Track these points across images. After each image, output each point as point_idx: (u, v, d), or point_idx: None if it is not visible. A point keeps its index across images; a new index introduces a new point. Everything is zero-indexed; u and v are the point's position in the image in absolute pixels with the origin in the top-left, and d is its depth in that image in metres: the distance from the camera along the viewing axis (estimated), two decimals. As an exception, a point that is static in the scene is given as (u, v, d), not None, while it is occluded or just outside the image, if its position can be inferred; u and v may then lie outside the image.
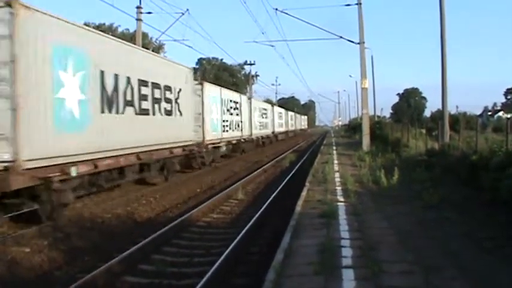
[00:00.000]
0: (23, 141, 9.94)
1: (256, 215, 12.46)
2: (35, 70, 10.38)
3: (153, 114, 16.94)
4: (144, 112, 16.22)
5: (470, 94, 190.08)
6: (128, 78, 15.03)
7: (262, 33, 43.63)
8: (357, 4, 28.78)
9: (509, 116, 36.13)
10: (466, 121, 28.88)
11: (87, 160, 12.34)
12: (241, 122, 33.76)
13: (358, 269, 6.69)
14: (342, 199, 12.77)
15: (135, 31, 31.58)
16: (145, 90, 16.31)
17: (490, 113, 78.82)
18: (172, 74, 19.20)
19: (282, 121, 63.19)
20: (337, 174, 18.20)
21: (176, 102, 19.19)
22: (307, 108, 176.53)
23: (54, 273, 8.50)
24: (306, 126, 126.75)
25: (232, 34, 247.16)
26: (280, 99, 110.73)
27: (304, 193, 13.93)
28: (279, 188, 17.35)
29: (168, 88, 18.35)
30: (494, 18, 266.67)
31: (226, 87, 33.81)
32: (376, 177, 15.62)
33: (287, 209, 12.66)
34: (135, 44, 31.25)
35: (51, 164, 10.91)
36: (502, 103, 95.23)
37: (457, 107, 53.86)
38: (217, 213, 14.06)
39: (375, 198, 13.03)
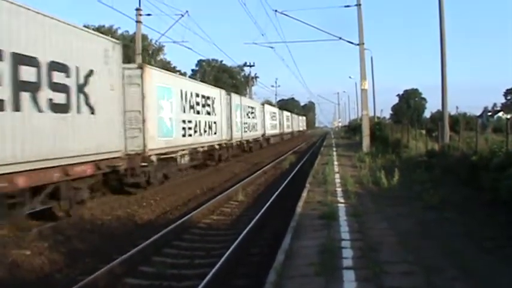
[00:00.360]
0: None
1: (257, 217, 12.46)
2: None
3: (16, 109, 9.91)
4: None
5: (470, 95, 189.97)
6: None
7: (262, 34, 44.20)
8: (356, 5, 28.80)
9: (509, 116, 36.13)
10: (466, 122, 28.90)
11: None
12: (215, 123, 25.74)
13: (359, 270, 6.68)
14: (342, 200, 12.76)
15: (134, 33, 31.60)
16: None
17: (489, 114, 78.74)
18: (73, 45, 12.14)
19: (276, 122, 56.65)
20: (337, 176, 18.18)
21: (81, 91, 12.35)
22: (307, 110, 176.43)
23: (54, 276, 8.50)
24: (305, 128, 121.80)
25: (232, 36, 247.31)
26: (279, 100, 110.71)
27: (304, 194, 13.93)
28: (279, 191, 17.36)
29: (59, 67, 11.41)
30: (494, 18, 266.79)
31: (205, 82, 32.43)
32: (376, 178, 15.61)
33: (287, 210, 12.66)
34: (134, 45, 31.39)
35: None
36: (502, 103, 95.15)
37: (457, 107, 53.90)
38: (218, 214, 14.06)
39: (375, 199, 13.02)
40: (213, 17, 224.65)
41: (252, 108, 39.89)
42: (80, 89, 12.33)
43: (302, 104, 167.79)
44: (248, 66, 70.24)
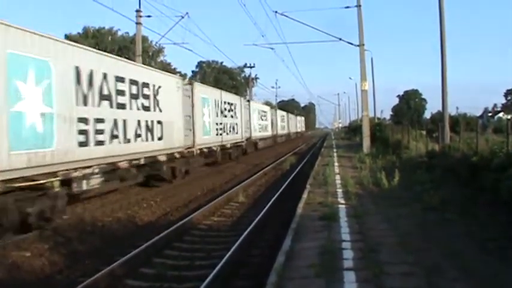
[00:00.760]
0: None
1: (257, 218, 12.46)
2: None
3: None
4: None
5: (470, 95, 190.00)
6: None
7: (262, 36, 43.94)
8: (356, 6, 28.83)
9: (509, 117, 36.13)
10: (466, 122, 28.92)
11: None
12: (161, 123, 17.79)
13: (359, 271, 6.68)
14: (342, 201, 12.76)
15: (134, 34, 31.60)
16: None
17: (490, 114, 78.75)
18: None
19: (267, 122, 48.02)
20: (337, 177, 18.18)
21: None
22: (307, 111, 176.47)
23: (55, 277, 8.50)
24: (303, 129, 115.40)
25: (232, 37, 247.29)
26: (280, 101, 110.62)
27: (305, 195, 13.93)
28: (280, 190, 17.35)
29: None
30: (494, 18, 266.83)
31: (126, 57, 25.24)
32: (377, 179, 15.61)
33: (288, 211, 12.66)
34: (134, 47, 31.37)
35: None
36: (502, 104, 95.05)
37: (457, 108, 53.95)
38: (218, 216, 14.05)
39: (375, 200, 13.02)
40: (213, 19, 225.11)
41: (231, 104, 30.65)
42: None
43: (302, 105, 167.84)
44: (248, 67, 70.29)
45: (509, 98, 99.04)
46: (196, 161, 22.36)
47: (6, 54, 9.87)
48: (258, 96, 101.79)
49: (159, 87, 17.78)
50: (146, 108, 16.65)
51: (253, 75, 78.18)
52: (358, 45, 29.01)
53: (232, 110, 30.58)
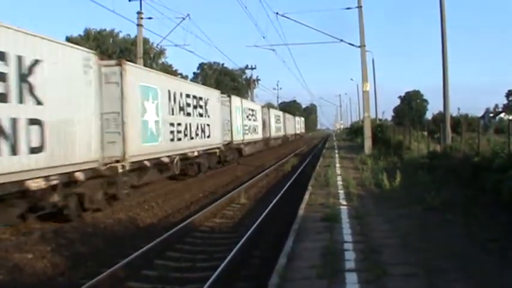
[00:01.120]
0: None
1: (259, 219, 12.45)
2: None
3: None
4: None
5: (471, 96, 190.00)
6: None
7: (263, 37, 44.36)
8: (357, 7, 28.85)
9: (511, 117, 36.09)
10: (467, 123, 28.80)
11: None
12: (43, 125, 10.81)
13: (361, 272, 6.68)
14: (344, 202, 12.77)
15: (136, 36, 31.66)
16: None
17: (491, 115, 78.56)
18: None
19: (256, 123, 39.83)
20: (339, 178, 18.19)
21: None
22: (308, 112, 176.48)
23: (57, 279, 8.50)
24: (303, 131, 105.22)
25: (233, 39, 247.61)
26: (281, 103, 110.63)
27: (306, 197, 13.93)
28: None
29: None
30: (496, 18, 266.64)
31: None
32: (378, 180, 15.61)
33: (290, 212, 12.66)
34: (135, 49, 31.44)
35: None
36: (504, 105, 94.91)
37: (458, 109, 53.83)
38: (220, 217, 14.05)
39: (377, 201, 13.02)
40: (214, 20, 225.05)
41: (201, 99, 22.88)
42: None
43: (304, 106, 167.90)
44: (249, 68, 70.24)
45: (510, 98, 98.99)
46: (124, 182, 14.80)
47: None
48: (260, 97, 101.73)
49: (69, 77, 11.70)
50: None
51: (254, 77, 78.23)
52: (359, 46, 29.04)
53: (201, 107, 22.94)
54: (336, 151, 37.10)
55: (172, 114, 18.71)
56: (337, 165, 24.24)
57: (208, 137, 23.63)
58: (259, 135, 40.97)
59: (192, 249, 10.46)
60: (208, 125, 23.64)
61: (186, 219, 12.95)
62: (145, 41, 42.55)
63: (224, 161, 28.16)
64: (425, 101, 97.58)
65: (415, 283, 6.27)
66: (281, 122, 59.33)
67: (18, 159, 9.83)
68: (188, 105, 20.78)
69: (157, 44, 46.74)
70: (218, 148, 25.63)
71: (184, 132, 20.07)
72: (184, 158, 19.95)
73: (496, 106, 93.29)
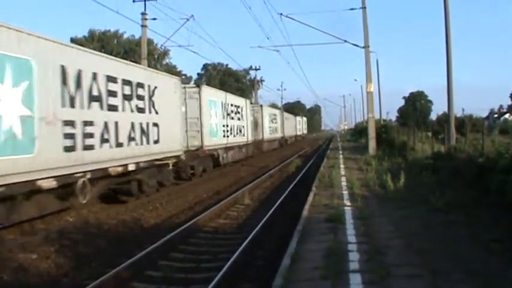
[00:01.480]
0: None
1: (263, 220, 12.45)
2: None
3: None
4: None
5: (475, 96, 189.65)
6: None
7: (267, 38, 43.76)
8: (361, 8, 28.81)
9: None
10: (472, 124, 28.77)
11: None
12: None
13: (365, 273, 6.67)
14: (348, 203, 12.75)
15: (140, 37, 31.70)
16: None
17: (496, 116, 78.30)
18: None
19: (242, 123, 32.58)
20: (343, 179, 18.17)
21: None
22: (312, 113, 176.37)
23: (61, 280, 8.52)
24: (305, 132, 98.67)
25: (238, 39, 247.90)
26: (285, 103, 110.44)
27: (310, 198, 13.92)
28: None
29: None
30: (500, 19, 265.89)
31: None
32: (383, 181, 15.58)
33: (294, 213, 12.66)
34: (140, 50, 31.45)
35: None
36: (508, 105, 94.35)
37: (463, 109, 53.56)
38: (224, 218, 14.06)
39: (381, 202, 13.00)
40: (219, 21, 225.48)
41: (141, 86, 16.06)
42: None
43: (308, 107, 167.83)
44: (254, 69, 70.26)
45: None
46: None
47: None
48: (264, 98, 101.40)
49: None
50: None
51: (258, 78, 78.21)
52: (363, 47, 29.00)
53: (141, 98, 15.98)
54: (340, 152, 37.07)
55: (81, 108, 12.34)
56: (342, 166, 24.21)
57: (157, 142, 17.03)
58: (246, 138, 33.40)
59: (196, 249, 10.46)
60: (156, 124, 16.91)
61: (190, 219, 12.96)
62: (150, 42, 42.51)
63: (191, 174, 21.86)
64: (430, 101, 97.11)
65: (419, 284, 6.26)
66: (278, 122, 51.68)
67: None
68: (112, 93, 13.92)
69: (162, 45, 46.74)
70: (176, 157, 18.82)
71: (103, 135, 13.34)
72: (104, 176, 13.58)
73: (501, 107, 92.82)
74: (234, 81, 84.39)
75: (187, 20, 28.95)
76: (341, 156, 32.02)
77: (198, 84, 23.79)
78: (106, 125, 13.47)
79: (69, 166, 11.60)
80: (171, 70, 56.47)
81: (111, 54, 17.82)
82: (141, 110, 15.83)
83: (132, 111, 15.17)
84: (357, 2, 29.25)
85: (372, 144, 29.83)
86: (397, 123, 69.38)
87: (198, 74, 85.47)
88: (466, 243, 8.27)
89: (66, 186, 11.66)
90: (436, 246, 8.08)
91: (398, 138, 31.91)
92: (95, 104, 12.99)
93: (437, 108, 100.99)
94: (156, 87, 16.98)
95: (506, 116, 74.79)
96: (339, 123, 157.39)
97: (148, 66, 27.52)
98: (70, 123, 11.74)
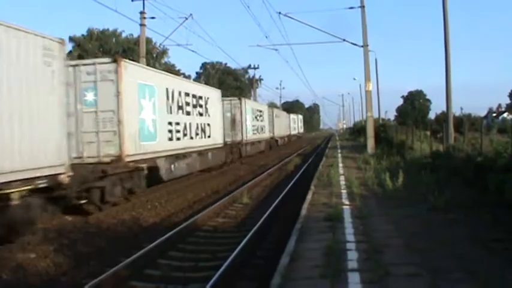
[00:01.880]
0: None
1: (262, 219, 12.45)
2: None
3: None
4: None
5: (474, 95, 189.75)
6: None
7: (266, 37, 44.07)
8: (360, 7, 28.81)
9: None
10: (471, 123, 28.81)
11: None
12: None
13: (364, 272, 6.67)
14: (347, 202, 12.75)
15: (138, 36, 31.69)
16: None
17: (494, 115, 78.37)
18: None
19: (211, 121, 24.63)
20: (342, 178, 18.18)
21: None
22: (311, 112, 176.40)
23: (60, 279, 8.52)
24: (301, 131, 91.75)
25: (236, 38, 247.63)
26: (284, 102, 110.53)
27: (309, 196, 13.92)
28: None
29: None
30: (498, 18, 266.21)
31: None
32: (381, 180, 15.59)
33: (292, 212, 12.66)
34: (138, 49, 31.50)
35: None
36: (507, 104, 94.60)
37: (461, 108, 53.66)
38: (223, 217, 14.06)
39: (380, 201, 13.00)
40: (217, 20, 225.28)
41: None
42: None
43: (307, 106, 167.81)
44: (252, 68, 70.25)
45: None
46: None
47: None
48: (263, 97, 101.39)
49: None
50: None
51: (257, 77, 78.15)
52: (362, 46, 29.00)
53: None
54: (339, 151, 37.06)
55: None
56: (340, 164, 24.22)
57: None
58: (214, 140, 24.86)
59: (195, 248, 10.46)
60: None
61: (189, 218, 12.97)
62: (148, 41, 42.57)
63: (101, 201, 13.92)
64: (428, 100, 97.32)
65: (418, 283, 6.25)
66: (265, 119, 43.09)
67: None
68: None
69: (160, 44, 46.67)
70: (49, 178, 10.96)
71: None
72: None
73: (499, 106, 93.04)
74: (232, 80, 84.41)
75: (186, 19, 28.98)
76: (339, 155, 32.02)
77: (116, 59, 14.93)
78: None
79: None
80: (170, 69, 56.43)
81: (109, 53, 17.88)
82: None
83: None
84: (356, 0, 29.31)
85: (371, 143, 29.84)
86: (396, 122, 69.37)
87: (196, 72, 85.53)
88: (466, 243, 8.28)
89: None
90: (435, 245, 8.08)
91: (396, 137, 31.92)
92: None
93: (436, 107, 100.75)
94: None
95: (505, 115, 74.85)
96: (337, 122, 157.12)
97: (147, 65, 27.50)
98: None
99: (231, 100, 32.58)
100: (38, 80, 10.69)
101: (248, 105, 35.35)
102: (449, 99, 20.66)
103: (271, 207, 14.11)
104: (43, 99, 10.82)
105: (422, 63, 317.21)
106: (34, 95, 10.51)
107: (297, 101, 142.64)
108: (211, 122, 24.57)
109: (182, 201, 16.33)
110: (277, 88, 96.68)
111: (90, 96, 14.56)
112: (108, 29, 61.57)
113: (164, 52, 62.00)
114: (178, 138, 19.50)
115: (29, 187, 10.17)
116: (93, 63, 14.93)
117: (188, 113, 21.01)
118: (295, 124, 75.89)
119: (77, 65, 14.82)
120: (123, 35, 62.07)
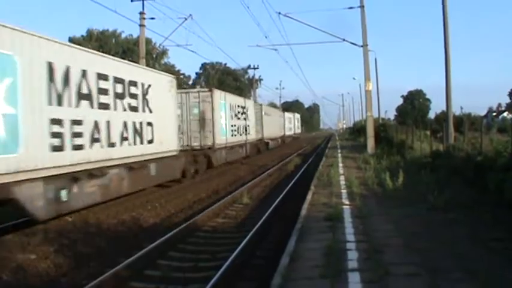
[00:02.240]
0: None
1: (262, 219, 12.45)
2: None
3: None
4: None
5: (474, 95, 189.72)
6: None
7: (266, 37, 44.20)
8: (359, 7, 28.80)
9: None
10: (470, 122, 28.79)
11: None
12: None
13: (364, 272, 6.66)
14: (347, 202, 12.75)
15: (138, 37, 31.69)
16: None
17: (494, 114, 78.32)
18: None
19: (153, 119, 17.26)
20: (342, 177, 18.17)
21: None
22: (311, 112, 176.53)
23: (60, 280, 8.51)
24: (298, 131, 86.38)
25: (236, 38, 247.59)
26: (284, 102, 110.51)
27: (309, 196, 13.92)
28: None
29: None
30: (498, 18, 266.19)
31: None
32: (381, 180, 15.59)
33: (292, 212, 12.66)
34: (138, 49, 31.49)
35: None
36: (507, 104, 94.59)
37: (461, 108, 53.62)
38: (223, 217, 14.06)
39: (380, 200, 13.00)
40: (217, 20, 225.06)
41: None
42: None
43: (306, 106, 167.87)
44: (252, 68, 70.28)
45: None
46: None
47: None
48: (262, 97, 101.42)
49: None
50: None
51: (257, 77, 78.14)
52: (361, 46, 28.99)
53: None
54: (339, 150, 37.07)
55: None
56: (340, 164, 24.22)
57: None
58: (158, 146, 17.75)
59: (195, 249, 10.46)
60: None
61: (189, 219, 12.96)
62: (148, 41, 42.57)
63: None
64: (428, 100, 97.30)
65: (418, 283, 6.25)
66: (250, 117, 35.64)
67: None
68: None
69: (160, 44, 46.76)
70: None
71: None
72: None
73: (499, 105, 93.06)
74: (232, 80, 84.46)
75: (186, 19, 28.95)
76: (339, 155, 32.02)
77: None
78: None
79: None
80: (170, 70, 56.47)
81: (109, 54, 17.70)
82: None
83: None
84: (356, 0, 29.30)
85: (371, 143, 29.84)
86: (396, 121, 69.35)
87: (196, 73, 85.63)
88: (466, 242, 8.27)
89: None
90: (435, 245, 8.08)
91: (396, 136, 31.92)
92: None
93: (436, 107, 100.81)
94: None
95: (505, 114, 74.82)
96: (337, 122, 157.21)
97: (147, 65, 27.50)
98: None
99: (198, 92, 25.82)
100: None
101: (223, 100, 27.82)
102: (449, 99, 20.66)
103: (271, 208, 14.11)
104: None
105: (422, 62, 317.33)
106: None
107: (297, 101, 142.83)
108: (156, 121, 17.58)
109: (182, 202, 16.32)
110: (277, 88, 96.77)
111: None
112: (107, 30, 61.76)
113: (164, 52, 62.15)
114: (77, 147, 12.60)
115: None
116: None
117: (105, 106, 14.10)
118: (290, 124, 69.32)
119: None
120: (123, 35, 62.27)
